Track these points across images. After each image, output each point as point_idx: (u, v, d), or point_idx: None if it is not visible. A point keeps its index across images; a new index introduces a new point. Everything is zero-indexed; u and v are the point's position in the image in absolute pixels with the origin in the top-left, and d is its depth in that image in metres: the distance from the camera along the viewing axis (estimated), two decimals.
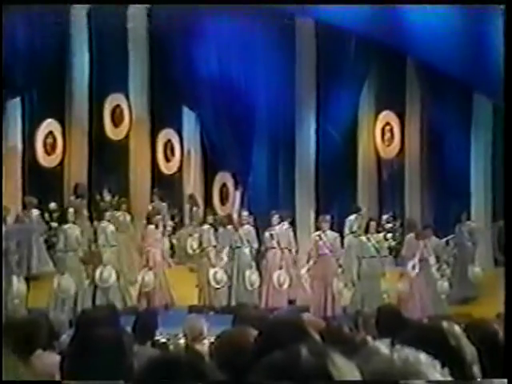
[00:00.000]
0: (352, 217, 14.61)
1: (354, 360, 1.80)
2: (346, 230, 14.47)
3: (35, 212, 13.38)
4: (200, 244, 13.66)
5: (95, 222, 13.26)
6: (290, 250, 13.78)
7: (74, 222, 12.77)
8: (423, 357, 1.94)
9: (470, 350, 2.55)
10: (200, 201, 15.21)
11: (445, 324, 3.03)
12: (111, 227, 13.11)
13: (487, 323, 3.41)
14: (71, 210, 12.99)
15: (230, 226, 13.71)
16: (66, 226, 12.82)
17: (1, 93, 13.12)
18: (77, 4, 13.94)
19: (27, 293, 12.32)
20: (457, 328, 2.96)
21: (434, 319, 4.48)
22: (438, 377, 1.93)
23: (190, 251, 14.16)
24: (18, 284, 12.34)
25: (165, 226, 13.84)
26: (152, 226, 13.36)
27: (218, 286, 13.47)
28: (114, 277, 12.80)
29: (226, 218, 14.07)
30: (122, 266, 13.23)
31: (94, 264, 12.74)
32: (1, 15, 12.26)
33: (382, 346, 2.03)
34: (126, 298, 12.87)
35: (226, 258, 13.50)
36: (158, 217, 13.51)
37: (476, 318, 5.60)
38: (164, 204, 14.63)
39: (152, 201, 14.77)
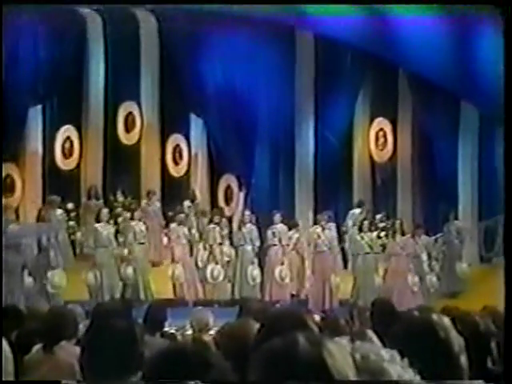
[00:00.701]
0: (357, 210, 14.62)
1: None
2: (350, 223, 14.46)
3: (59, 210, 13.39)
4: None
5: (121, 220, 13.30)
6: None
7: (107, 222, 12.88)
8: (384, 352, 1.93)
9: (457, 341, 2.55)
10: (206, 200, 15.21)
11: (434, 316, 3.03)
12: (140, 226, 13.18)
13: (473, 316, 3.41)
14: (105, 210, 13.09)
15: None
16: (96, 225, 12.92)
17: (1, 92, 12.83)
18: (77, 4, 13.63)
19: (63, 285, 12.33)
20: (446, 320, 2.96)
21: (425, 311, 4.45)
22: (399, 370, 1.93)
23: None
24: (54, 277, 12.38)
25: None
26: (174, 224, 13.44)
27: (214, 282, 13.50)
28: (138, 273, 12.84)
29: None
30: (145, 262, 13.27)
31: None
32: (1, 15, 11.89)
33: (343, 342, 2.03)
34: (148, 292, 12.90)
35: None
36: (182, 215, 13.58)
37: (463, 311, 5.58)
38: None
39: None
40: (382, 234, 14.63)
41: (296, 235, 13.94)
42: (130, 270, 12.86)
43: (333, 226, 14.09)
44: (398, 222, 14.49)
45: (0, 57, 12.18)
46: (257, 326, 3.07)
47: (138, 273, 12.91)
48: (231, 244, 13.91)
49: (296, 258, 13.91)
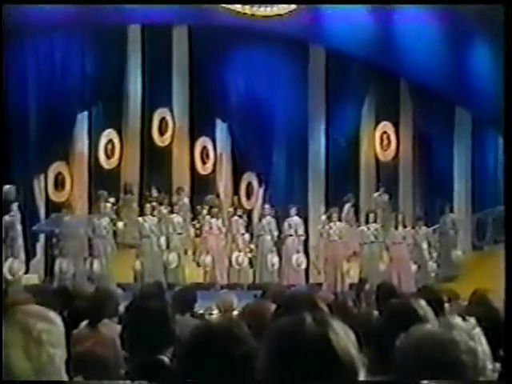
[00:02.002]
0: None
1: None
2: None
3: (108, 204, 13.47)
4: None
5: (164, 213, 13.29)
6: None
7: (152, 215, 12.93)
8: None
9: (432, 320, 2.56)
10: (229, 195, 15.22)
11: (412, 300, 3.03)
12: (179, 218, 13.24)
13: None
14: (148, 205, 13.16)
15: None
16: (139, 218, 13.00)
17: (1, 92, 12.45)
18: (77, 4, 13.08)
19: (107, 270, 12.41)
20: (423, 302, 2.96)
21: (423, 291, 4.46)
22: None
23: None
24: (99, 263, 12.50)
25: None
26: (208, 217, 13.48)
27: (238, 268, 13.54)
28: (177, 260, 12.87)
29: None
30: (182, 250, 13.34)
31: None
32: (1, 15, 11.41)
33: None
34: (183, 276, 12.98)
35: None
36: (216, 209, 13.61)
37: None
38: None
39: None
40: (388, 225, 14.58)
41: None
42: (171, 258, 12.95)
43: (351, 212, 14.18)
44: (400, 214, 14.45)
45: (0, 57, 11.53)
46: (273, 306, 3.08)
47: (176, 259, 12.99)
48: (252, 234, 13.91)
49: None
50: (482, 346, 1.72)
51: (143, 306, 3.32)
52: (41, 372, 1.31)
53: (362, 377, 1.62)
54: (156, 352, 3.03)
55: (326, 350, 1.59)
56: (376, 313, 3.53)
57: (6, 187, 12.50)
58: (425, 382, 1.66)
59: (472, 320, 1.82)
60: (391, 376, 1.79)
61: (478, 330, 1.79)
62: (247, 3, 14.11)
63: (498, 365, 1.66)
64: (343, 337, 1.63)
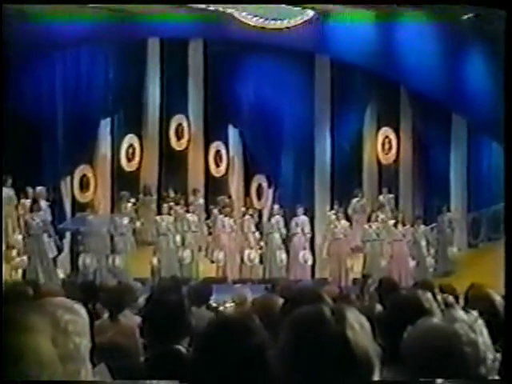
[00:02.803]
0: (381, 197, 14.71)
1: None
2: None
3: (128, 204, 13.50)
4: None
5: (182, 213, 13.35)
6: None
7: (169, 214, 12.95)
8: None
9: (437, 312, 2.54)
10: (241, 196, 15.23)
11: (420, 292, 3.00)
12: (194, 217, 13.24)
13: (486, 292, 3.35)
14: (165, 205, 13.19)
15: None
16: (157, 217, 13.02)
17: (0, 92, 12.15)
18: (79, 4, 12.80)
19: (127, 266, 12.46)
20: (429, 295, 2.93)
21: (422, 285, 4.41)
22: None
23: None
24: (120, 259, 12.53)
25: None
26: (221, 216, 13.49)
27: (250, 264, 13.52)
28: (190, 256, 12.86)
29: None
30: (196, 247, 13.34)
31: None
32: (1, 15, 11.11)
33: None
34: (197, 272, 12.98)
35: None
36: (228, 209, 13.61)
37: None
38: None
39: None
40: (389, 223, 14.55)
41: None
42: (185, 254, 12.95)
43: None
44: (400, 214, 14.41)
45: (0, 57, 11.30)
46: (280, 300, 3.06)
47: (190, 256, 12.99)
48: (262, 232, 13.90)
49: None
50: (483, 337, 1.70)
51: (162, 299, 3.32)
52: (67, 359, 1.31)
53: (376, 365, 1.59)
54: (173, 342, 3.03)
55: (343, 341, 1.58)
56: (379, 306, 3.51)
57: (38, 188, 12.62)
58: (439, 381, 1.63)
59: (474, 313, 1.81)
60: (398, 367, 1.77)
61: (480, 322, 1.77)
62: (248, 3, 14.02)
63: (498, 355, 1.64)
64: (358, 328, 1.60)
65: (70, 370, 1.14)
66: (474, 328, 1.73)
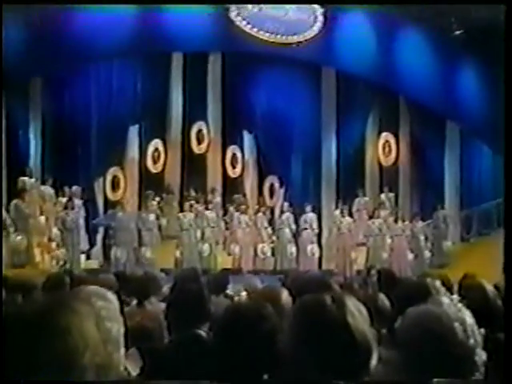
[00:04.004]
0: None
1: None
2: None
3: (154, 202, 13.55)
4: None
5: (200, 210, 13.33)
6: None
7: (190, 211, 12.99)
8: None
9: (444, 298, 2.52)
10: (254, 195, 15.23)
11: (429, 280, 2.98)
12: (212, 214, 13.26)
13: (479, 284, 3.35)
14: (187, 203, 13.21)
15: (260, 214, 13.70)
16: (181, 214, 13.05)
17: (0, 94, 11.90)
18: (78, 5, 12.47)
19: (152, 258, 12.49)
20: (438, 283, 2.92)
21: (422, 277, 4.40)
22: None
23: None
24: (146, 252, 12.59)
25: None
26: (237, 213, 13.49)
27: (263, 256, 13.51)
28: (209, 249, 12.91)
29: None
30: (214, 241, 13.35)
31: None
32: (1, 15, 10.74)
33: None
34: (215, 263, 12.99)
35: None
36: (243, 206, 13.62)
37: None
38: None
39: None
40: (390, 220, 14.51)
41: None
42: (204, 247, 12.95)
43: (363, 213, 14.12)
44: (400, 211, 14.35)
45: (0, 57, 11.09)
46: (283, 289, 3.02)
47: (209, 249, 13.00)
48: (273, 228, 13.89)
49: None
50: (467, 315, 1.74)
51: (184, 288, 3.33)
52: (104, 343, 1.33)
53: (374, 348, 1.60)
54: (194, 326, 3.05)
55: (343, 326, 1.59)
56: (381, 294, 3.50)
57: (74, 188, 12.71)
58: (435, 381, 1.64)
59: (455, 297, 1.84)
60: (396, 349, 1.78)
61: (460, 305, 1.81)
62: (248, 3, 14.00)
63: (482, 330, 1.68)
64: (357, 315, 1.62)
65: (106, 353, 1.15)
66: (459, 308, 1.77)
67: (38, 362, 1.06)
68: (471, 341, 1.65)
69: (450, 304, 1.74)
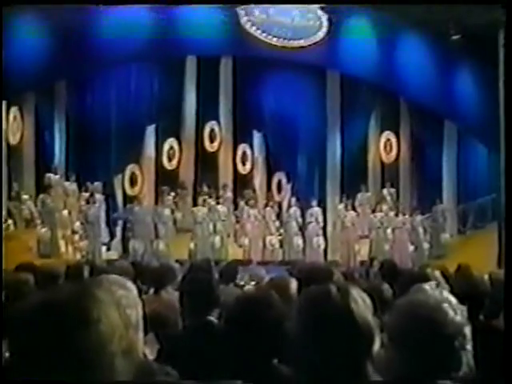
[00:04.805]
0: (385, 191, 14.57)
1: None
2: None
3: (169, 197, 13.58)
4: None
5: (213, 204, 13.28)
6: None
7: (203, 206, 13.00)
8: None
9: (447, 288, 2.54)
10: (263, 191, 15.22)
11: (429, 270, 2.99)
12: (224, 208, 13.26)
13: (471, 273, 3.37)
14: (200, 198, 13.22)
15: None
16: (194, 208, 13.08)
17: (1, 96, 11.62)
18: (81, 4, 12.13)
19: (167, 250, 12.51)
20: (437, 273, 2.92)
21: (422, 268, 4.40)
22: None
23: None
24: (161, 244, 12.64)
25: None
26: (247, 207, 13.50)
27: (271, 248, 13.51)
28: (220, 241, 12.93)
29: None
30: (225, 233, 13.36)
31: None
32: (1, 15, 10.16)
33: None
34: (226, 255, 13.01)
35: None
36: (253, 201, 13.62)
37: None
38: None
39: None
40: (391, 213, 14.48)
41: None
42: (216, 240, 12.98)
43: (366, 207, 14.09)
44: (400, 205, 14.31)
45: (0, 58, 10.80)
46: (292, 279, 3.03)
47: (221, 241, 13.02)
48: (281, 221, 13.89)
49: None
50: (450, 296, 1.76)
51: (196, 277, 3.36)
52: (126, 329, 1.35)
53: (377, 334, 1.60)
54: (206, 313, 3.07)
55: (348, 314, 1.59)
56: (384, 284, 3.49)
57: (95, 183, 12.78)
58: (439, 381, 1.63)
59: (433, 282, 1.89)
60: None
61: (439, 288, 1.82)
62: (248, 3, 13.95)
63: (463, 307, 1.71)
64: (361, 303, 1.62)
65: (129, 339, 1.17)
66: (440, 291, 1.80)
67: (72, 352, 1.07)
68: (458, 317, 1.67)
69: (433, 289, 1.77)
